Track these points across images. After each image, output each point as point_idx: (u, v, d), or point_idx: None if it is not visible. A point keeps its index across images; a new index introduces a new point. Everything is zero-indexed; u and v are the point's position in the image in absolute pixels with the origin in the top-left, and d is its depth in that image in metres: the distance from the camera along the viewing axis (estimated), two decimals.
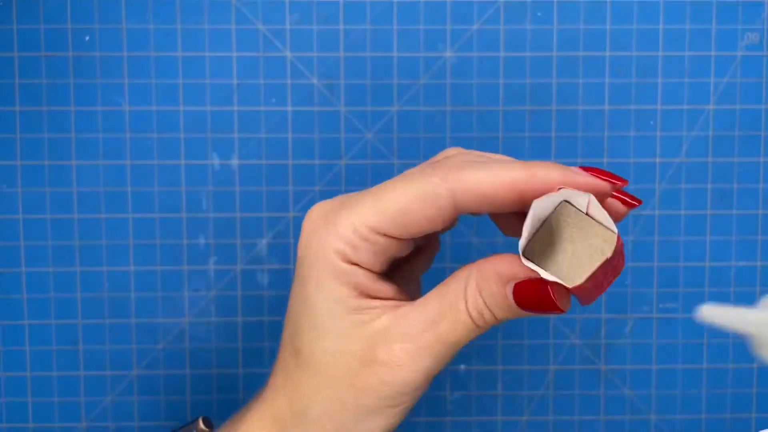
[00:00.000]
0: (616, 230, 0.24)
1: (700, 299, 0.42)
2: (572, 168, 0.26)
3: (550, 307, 0.25)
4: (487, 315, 0.26)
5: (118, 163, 0.41)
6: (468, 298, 0.26)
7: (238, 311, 0.41)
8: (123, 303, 0.41)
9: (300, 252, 0.28)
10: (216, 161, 0.41)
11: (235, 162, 0.41)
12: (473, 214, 0.28)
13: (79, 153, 0.41)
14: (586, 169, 0.27)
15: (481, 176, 0.25)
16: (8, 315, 0.41)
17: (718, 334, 0.42)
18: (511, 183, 0.25)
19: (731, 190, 0.41)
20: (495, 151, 0.41)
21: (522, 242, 0.25)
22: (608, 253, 0.24)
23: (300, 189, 0.41)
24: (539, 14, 0.40)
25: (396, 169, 0.41)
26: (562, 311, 0.25)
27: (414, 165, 0.41)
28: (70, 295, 0.41)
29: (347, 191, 0.41)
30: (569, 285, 0.24)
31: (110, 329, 0.41)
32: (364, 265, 0.27)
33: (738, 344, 0.42)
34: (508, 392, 0.42)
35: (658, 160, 0.41)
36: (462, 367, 0.42)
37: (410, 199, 0.25)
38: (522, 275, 0.25)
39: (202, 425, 0.35)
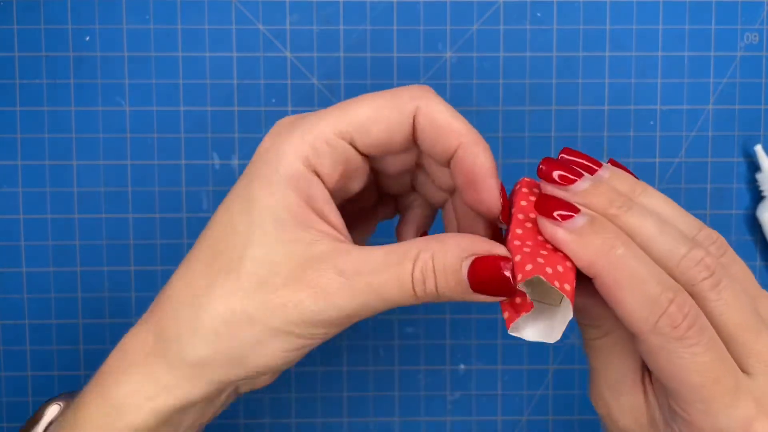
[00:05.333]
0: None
1: None
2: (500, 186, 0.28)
3: (504, 285, 0.25)
4: (430, 285, 0.25)
5: (119, 163, 0.41)
6: (417, 261, 0.25)
7: None
8: (123, 303, 0.41)
9: (256, 155, 0.27)
10: (216, 161, 0.41)
11: (235, 162, 0.41)
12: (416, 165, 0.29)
13: (79, 153, 0.41)
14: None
15: (445, 108, 0.27)
16: (8, 315, 0.41)
17: None
18: (463, 133, 0.27)
19: (731, 190, 0.41)
20: (495, 151, 0.41)
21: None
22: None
23: None
24: (539, 14, 0.41)
25: None
26: (513, 292, 0.25)
27: None
28: (70, 295, 0.41)
29: None
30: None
31: (110, 329, 0.41)
32: (322, 173, 0.26)
33: None
34: (508, 392, 0.42)
35: (658, 160, 0.41)
36: (462, 367, 0.42)
37: (378, 105, 0.26)
38: (482, 252, 0.25)
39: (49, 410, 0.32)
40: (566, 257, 0.25)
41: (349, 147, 0.27)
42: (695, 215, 0.41)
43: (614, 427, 0.29)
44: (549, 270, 0.25)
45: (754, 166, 0.41)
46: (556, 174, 0.26)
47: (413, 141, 0.28)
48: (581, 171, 0.27)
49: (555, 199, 0.26)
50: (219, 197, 0.41)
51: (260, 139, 0.41)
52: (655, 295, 0.24)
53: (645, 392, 0.28)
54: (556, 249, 0.25)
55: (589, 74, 0.41)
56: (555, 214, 0.25)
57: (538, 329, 0.26)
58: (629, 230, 0.25)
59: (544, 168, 0.27)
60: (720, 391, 0.24)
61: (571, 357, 0.42)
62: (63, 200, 0.41)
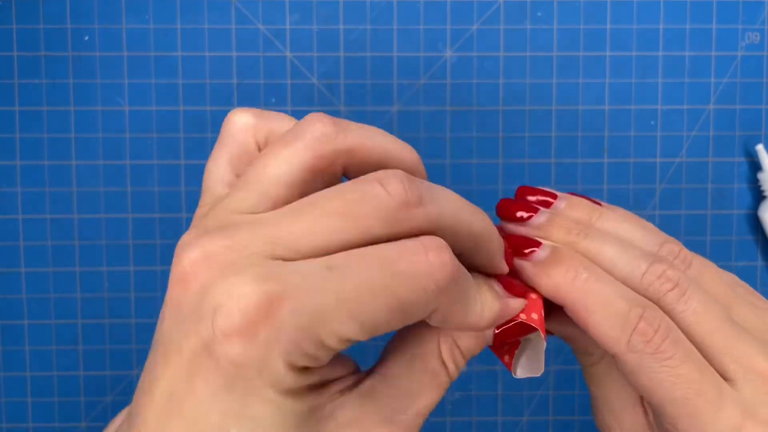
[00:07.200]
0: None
1: None
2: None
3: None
4: (461, 362, 0.24)
5: (118, 163, 0.41)
6: (445, 358, 0.24)
7: None
8: (123, 303, 0.41)
9: (230, 362, 0.19)
10: None
11: None
12: None
13: (78, 153, 0.41)
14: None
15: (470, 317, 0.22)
16: (8, 315, 0.41)
17: None
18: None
19: (731, 190, 0.41)
20: (495, 150, 0.41)
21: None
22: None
23: None
24: (539, 14, 0.40)
25: None
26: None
27: None
28: (70, 295, 0.41)
29: None
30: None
31: (110, 329, 0.41)
32: (322, 364, 0.21)
33: None
34: (508, 392, 0.42)
35: (658, 160, 0.41)
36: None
37: (395, 313, 0.20)
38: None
39: None
40: (533, 290, 0.26)
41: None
42: (696, 215, 0.41)
43: None
44: None
45: (756, 166, 0.41)
46: (513, 212, 0.27)
47: None
48: (537, 206, 0.28)
49: (517, 236, 0.27)
50: None
51: None
52: (624, 313, 0.24)
53: (645, 414, 0.28)
54: (521, 283, 0.26)
55: (590, 74, 0.41)
56: (518, 250, 0.26)
57: (524, 365, 0.26)
58: (590, 255, 0.26)
59: (502, 208, 0.28)
60: (703, 402, 0.24)
61: (572, 358, 0.42)
62: (62, 200, 0.41)
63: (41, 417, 0.41)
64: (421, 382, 0.23)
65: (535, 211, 0.27)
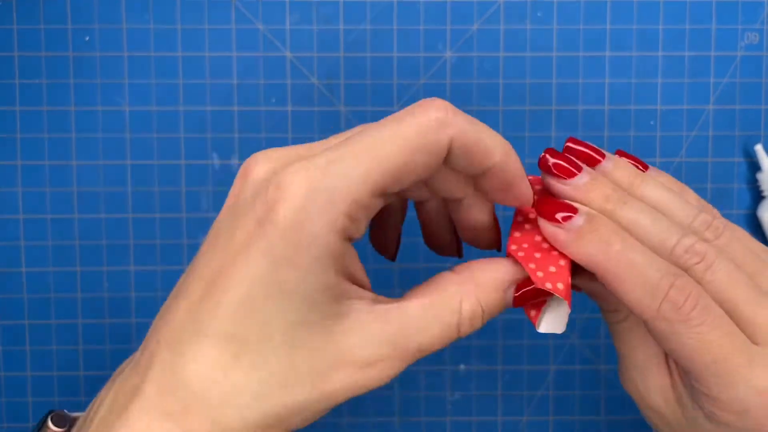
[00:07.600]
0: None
1: None
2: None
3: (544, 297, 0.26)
4: (476, 325, 0.26)
5: (118, 163, 0.41)
6: (464, 312, 0.25)
7: None
8: (123, 303, 0.41)
9: (281, 227, 0.22)
10: (216, 161, 0.41)
11: (235, 162, 0.41)
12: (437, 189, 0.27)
13: (79, 153, 0.41)
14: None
15: (474, 129, 0.25)
16: (8, 315, 0.41)
17: None
18: (498, 150, 0.25)
19: (731, 190, 0.41)
20: None
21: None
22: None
23: None
24: (539, 14, 0.41)
25: None
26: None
27: None
28: (70, 295, 0.41)
29: None
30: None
31: (110, 329, 0.41)
32: (355, 237, 0.24)
33: None
34: (508, 392, 0.42)
35: (658, 160, 0.41)
36: (462, 367, 0.42)
37: (412, 147, 0.23)
38: (521, 277, 0.26)
39: (51, 425, 0.29)
40: (561, 256, 0.26)
41: (383, 198, 0.24)
42: None
43: (644, 406, 0.29)
44: (540, 274, 0.25)
45: (755, 166, 0.41)
46: (556, 165, 0.28)
47: None
48: (582, 164, 0.28)
49: (554, 201, 0.27)
50: (219, 197, 0.41)
51: (260, 140, 0.41)
52: (655, 282, 0.25)
53: (670, 372, 0.28)
54: (551, 248, 0.26)
55: (589, 74, 0.41)
56: (556, 216, 0.26)
57: (548, 321, 0.27)
58: (625, 224, 0.27)
59: (546, 159, 0.28)
60: (733, 365, 0.25)
61: (572, 357, 0.42)
62: (62, 200, 0.41)
63: (41, 417, 0.41)
64: (430, 326, 0.25)
65: (579, 169, 0.28)
